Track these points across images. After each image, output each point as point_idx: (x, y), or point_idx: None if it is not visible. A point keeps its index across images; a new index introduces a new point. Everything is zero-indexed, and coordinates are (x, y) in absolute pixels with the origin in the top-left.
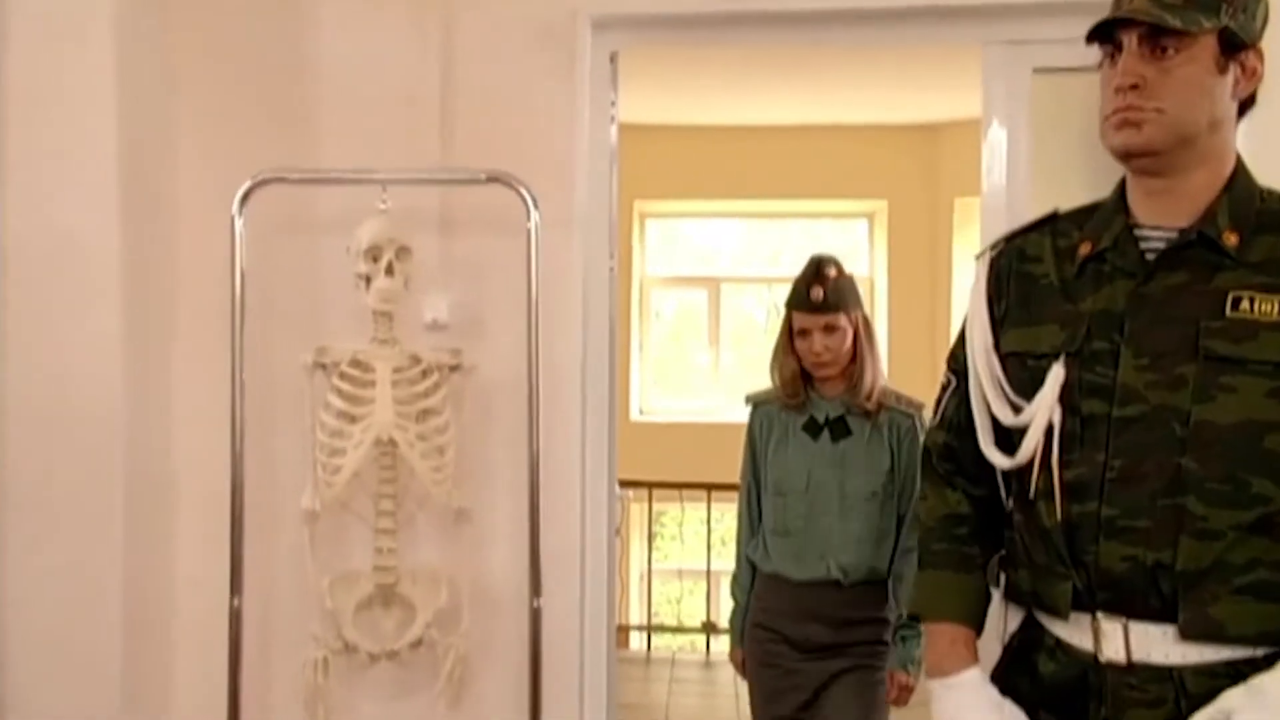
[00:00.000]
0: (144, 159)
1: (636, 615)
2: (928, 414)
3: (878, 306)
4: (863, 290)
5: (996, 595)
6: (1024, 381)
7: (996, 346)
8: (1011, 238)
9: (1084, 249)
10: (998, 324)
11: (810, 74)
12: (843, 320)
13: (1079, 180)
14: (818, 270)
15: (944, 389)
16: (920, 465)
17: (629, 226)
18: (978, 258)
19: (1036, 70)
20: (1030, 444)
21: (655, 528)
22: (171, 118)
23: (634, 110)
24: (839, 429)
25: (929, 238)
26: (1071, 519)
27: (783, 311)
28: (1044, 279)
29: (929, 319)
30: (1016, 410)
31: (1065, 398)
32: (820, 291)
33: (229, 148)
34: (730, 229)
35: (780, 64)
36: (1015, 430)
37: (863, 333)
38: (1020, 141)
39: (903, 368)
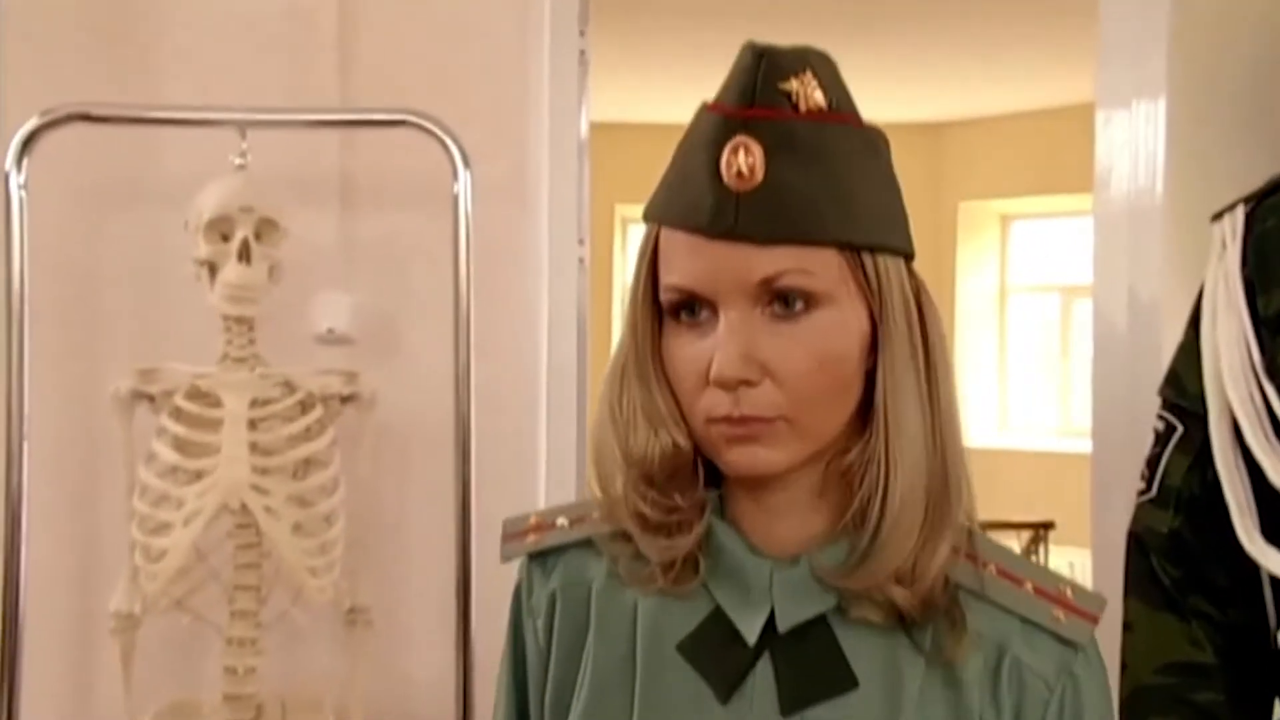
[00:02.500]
0: None
1: None
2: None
3: None
4: None
5: None
6: None
7: (1271, 368)
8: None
9: None
10: (1266, 326)
11: None
12: (827, 272)
13: (1240, 157)
14: (755, 78)
15: (1161, 440)
16: (1125, 570)
17: (610, 232)
18: (1216, 218)
19: None
20: None
21: None
22: None
23: (615, 107)
24: (808, 664)
25: (931, 246)
26: None
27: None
28: None
29: None
30: None
31: None
32: (754, 160)
33: (33, 81)
34: None
35: None
36: None
37: (906, 342)
38: (1154, 94)
39: None
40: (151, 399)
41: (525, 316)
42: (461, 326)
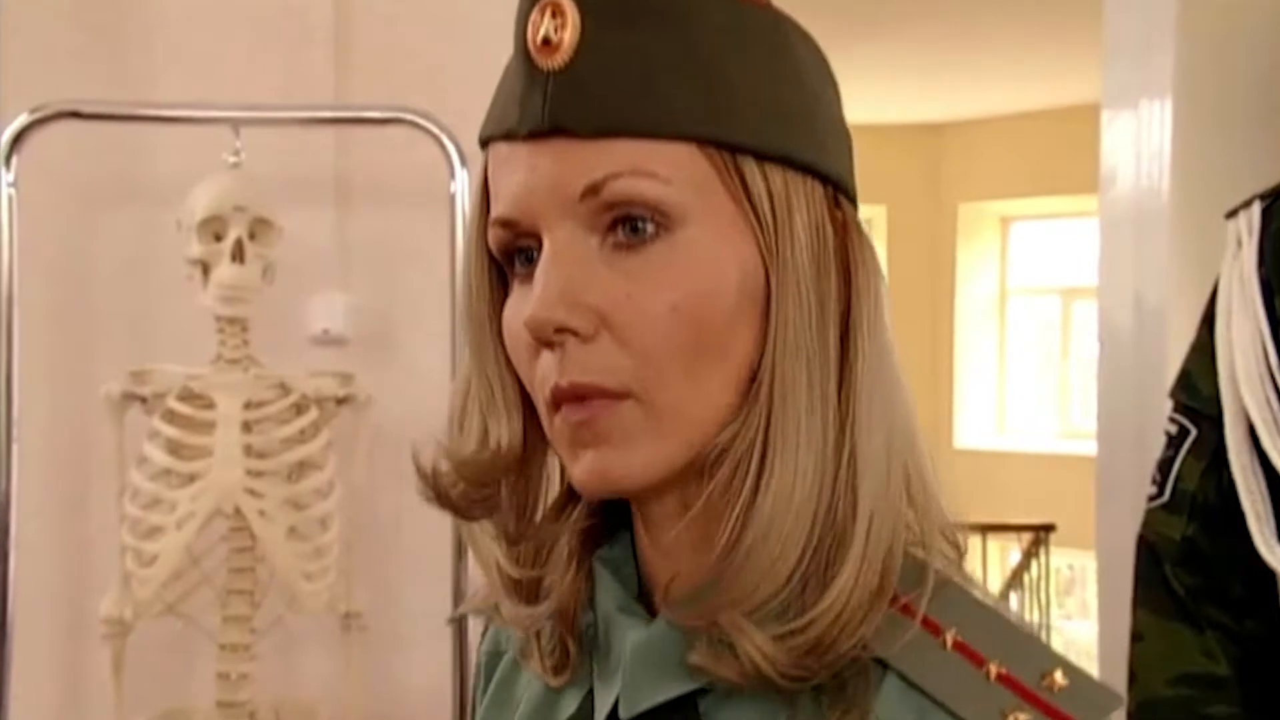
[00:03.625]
0: None
1: None
2: None
3: None
4: None
5: None
6: None
7: None
8: None
9: None
10: None
11: None
12: (681, 177)
13: (1248, 156)
14: None
15: (1174, 443)
16: (1134, 578)
17: None
18: (1231, 215)
19: None
20: None
21: None
22: None
23: None
24: None
25: (930, 248)
26: None
27: None
28: None
29: (931, 342)
30: None
31: None
32: (563, 22)
33: (26, 78)
34: None
35: None
36: None
37: (811, 287)
38: (1160, 93)
39: None
40: (143, 401)
41: None
42: (459, 328)
